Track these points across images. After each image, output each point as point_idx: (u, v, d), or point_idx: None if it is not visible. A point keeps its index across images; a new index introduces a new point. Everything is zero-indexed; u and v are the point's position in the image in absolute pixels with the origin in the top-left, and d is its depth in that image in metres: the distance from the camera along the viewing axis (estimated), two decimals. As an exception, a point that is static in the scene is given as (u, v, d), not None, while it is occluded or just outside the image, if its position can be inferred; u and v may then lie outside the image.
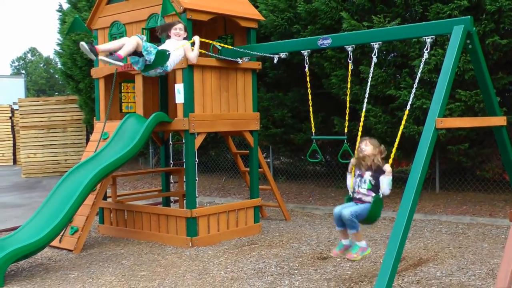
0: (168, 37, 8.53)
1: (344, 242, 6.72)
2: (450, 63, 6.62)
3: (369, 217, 6.51)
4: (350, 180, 6.71)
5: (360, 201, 6.57)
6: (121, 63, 7.94)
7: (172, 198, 11.88)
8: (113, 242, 9.57)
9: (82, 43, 7.76)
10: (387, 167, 6.39)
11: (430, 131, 6.40)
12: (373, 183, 6.47)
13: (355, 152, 6.76)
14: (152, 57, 8.05)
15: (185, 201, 9.86)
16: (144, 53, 7.96)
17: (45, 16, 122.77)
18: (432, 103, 6.53)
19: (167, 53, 8.20)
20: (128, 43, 7.85)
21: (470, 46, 7.17)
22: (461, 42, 6.77)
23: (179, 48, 8.42)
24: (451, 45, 6.75)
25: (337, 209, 6.59)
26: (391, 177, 6.38)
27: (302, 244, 8.98)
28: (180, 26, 8.51)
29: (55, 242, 8.83)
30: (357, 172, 6.64)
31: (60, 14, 21.07)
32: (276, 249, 8.76)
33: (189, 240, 9.01)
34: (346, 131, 8.18)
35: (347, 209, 6.45)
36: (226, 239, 9.45)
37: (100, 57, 7.85)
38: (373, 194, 6.42)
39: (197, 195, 9.30)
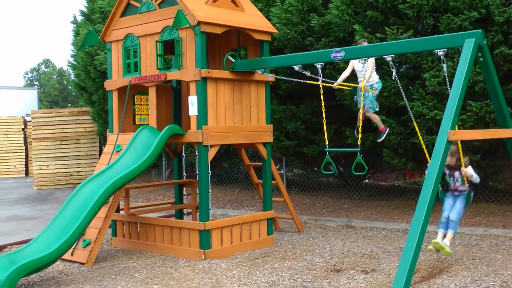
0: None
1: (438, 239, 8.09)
2: (462, 76, 6.65)
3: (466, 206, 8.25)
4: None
5: (456, 190, 8.16)
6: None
7: (185, 211, 11.91)
8: (126, 255, 9.59)
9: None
10: (465, 172, 7.94)
11: (443, 143, 6.42)
12: (463, 179, 8.04)
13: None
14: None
15: (198, 213, 9.88)
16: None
17: (59, 28, 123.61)
18: (444, 115, 6.55)
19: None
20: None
21: (481, 59, 7.20)
22: (472, 55, 6.80)
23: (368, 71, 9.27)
24: (462, 58, 6.77)
25: (445, 215, 8.19)
26: (472, 173, 8.00)
27: (315, 257, 8.98)
28: (362, 42, 9.32)
29: (67, 255, 8.82)
30: (447, 172, 8.15)
31: (74, 26, 21.22)
32: (290, 261, 8.75)
33: (202, 252, 9.02)
34: (359, 143, 8.20)
35: (454, 212, 8.10)
36: (239, 251, 9.45)
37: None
38: (466, 186, 8.06)
39: (210, 207, 9.31)
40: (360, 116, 8.98)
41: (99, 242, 9.06)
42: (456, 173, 8.10)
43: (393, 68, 7.70)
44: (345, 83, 9.52)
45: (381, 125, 9.42)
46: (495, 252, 8.99)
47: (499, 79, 7.56)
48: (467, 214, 11.72)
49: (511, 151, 8.07)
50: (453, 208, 8.15)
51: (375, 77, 9.37)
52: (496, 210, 11.90)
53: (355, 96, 9.46)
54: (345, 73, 9.66)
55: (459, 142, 7.71)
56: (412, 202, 13.06)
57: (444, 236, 8.13)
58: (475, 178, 7.98)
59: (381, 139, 9.44)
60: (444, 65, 7.09)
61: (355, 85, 9.26)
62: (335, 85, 9.40)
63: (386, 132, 9.51)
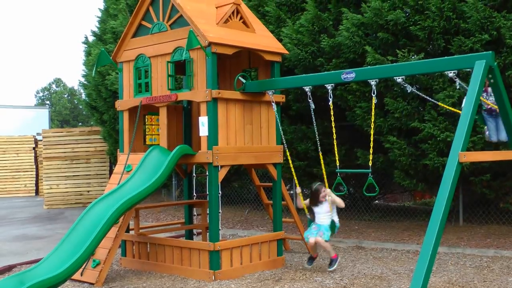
0: (320, 202, 9.42)
1: None
2: (473, 98, 6.65)
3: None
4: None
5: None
6: None
7: (195, 231, 11.90)
8: (135, 275, 9.58)
9: None
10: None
11: (454, 165, 6.42)
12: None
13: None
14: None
15: (208, 233, 9.87)
16: None
17: (70, 48, 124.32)
18: (455, 137, 6.55)
19: (336, 225, 9.44)
20: None
21: (492, 81, 7.21)
22: (483, 76, 6.81)
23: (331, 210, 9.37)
24: (473, 80, 6.79)
25: (494, 138, 8.16)
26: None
27: (325, 278, 8.94)
28: (324, 190, 9.38)
29: (76, 275, 8.78)
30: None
31: (86, 46, 21.38)
32: (300, 282, 8.73)
33: (212, 273, 9.00)
34: (370, 164, 8.19)
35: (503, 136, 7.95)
36: (249, 272, 9.43)
37: None
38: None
39: (220, 228, 9.31)
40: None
41: (108, 262, 9.06)
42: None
43: (404, 85, 7.71)
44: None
45: (332, 253, 9.41)
46: (506, 274, 8.93)
47: (510, 100, 7.56)
48: (478, 235, 11.69)
49: (522, 172, 8.04)
50: (499, 129, 8.08)
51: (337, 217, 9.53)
52: (507, 232, 11.85)
53: (309, 227, 9.61)
54: (306, 202, 9.68)
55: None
56: (423, 223, 13.02)
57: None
58: (339, 201, 8.92)
59: (332, 268, 9.35)
60: (458, 81, 7.10)
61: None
62: (298, 191, 9.73)
63: (338, 260, 9.44)
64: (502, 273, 9.03)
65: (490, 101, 7.68)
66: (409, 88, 7.90)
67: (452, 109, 9.04)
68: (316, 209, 9.40)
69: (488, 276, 8.85)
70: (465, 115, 6.66)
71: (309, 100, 8.84)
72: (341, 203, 9.30)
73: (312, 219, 9.46)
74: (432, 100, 8.91)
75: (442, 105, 9.17)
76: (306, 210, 9.46)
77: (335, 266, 9.27)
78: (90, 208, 8.79)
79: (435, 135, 11.05)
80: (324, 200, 9.27)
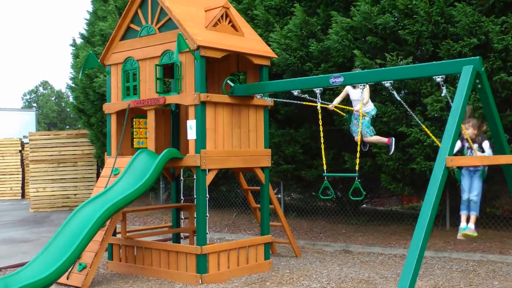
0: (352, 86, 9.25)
1: (463, 225, 8.06)
2: (460, 103, 6.69)
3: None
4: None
5: (473, 166, 7.89)
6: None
7: (182, 234, 11.87)
8: (122, 279, 9.55)
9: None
10: (486, 145, 7.91)
11: (441, 169, 6.45)
12: (480, 151, 7.89)
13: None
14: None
15: (195, 237, 9.85)
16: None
17: (57, 50, 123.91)
18: (442, 142, 6.58)
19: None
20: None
21: (479, 86, 7.24)
22: (470, 82, 6.84)
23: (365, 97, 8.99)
24: (460, 85, 6.82)
25: (464, 196, 8.04)
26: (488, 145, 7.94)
27: (312, 282, 8.94)
28: (356, 70, 9.33)
29: (62, 279, 8.74)
30: (466, 145, 7.94)
31: (74, 48, 21.30)
32: (286, 286, 8.72)
33: (199, 277, 8.98)
34: (357, 168, 8.20)
35: (474, 194, 7.98)
36: (236, 276, 9.42)
37: None
38: None
39: (207, 231, 9.29)
40: (359, 141, 8.95)
41: (95, 266, 9.02)
42: (475, 146, 7.96)
43: (392, 90, 7.73)
44: (340, 106, 9.51)
45: (384, 140, 9.42)
46: (492, 278, 8.97)
47: (497, 105, 7.60)
48: (464, 240, 11.72)
49: (508, 177, 8.08)
50: (472, 189, 8.06)
51: (371, 105, 9.35)
52: (493, 236, 11.90)
53: (350, 124, 9.42)
54: (339, 98, 9.60)
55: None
56: (410, 227, 13.05)
57: (468, 218, 8.08)
58: (488, 154, 7.92)
59: (391, 152, 9.45)
60: (444, 88, 7.12)
61: (351, 108, 9.25)
62: (331, 106, 9.36)
63: (393, 142, 9.49)
64: (488, 277, 9.06)
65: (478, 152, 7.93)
66: (395, 95, 7.91)
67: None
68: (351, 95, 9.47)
69: (474, 280, 8.88)
70: (452, 120, 6.69)
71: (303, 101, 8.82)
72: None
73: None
74: (411, 112, 8.91)
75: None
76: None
77: (392, 148, 9.57)
78: (76, 212, 8.75)
79: (422, 140, 11.08)
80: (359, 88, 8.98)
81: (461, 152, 7.92)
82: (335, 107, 9.44)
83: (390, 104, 11.56)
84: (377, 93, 11.49)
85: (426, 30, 10.99)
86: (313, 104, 8.89)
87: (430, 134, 8.94)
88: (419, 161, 11.18)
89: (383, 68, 10.36)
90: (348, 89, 9.24)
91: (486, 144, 7.88)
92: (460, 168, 8.07)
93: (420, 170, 11.21)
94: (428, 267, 9.88)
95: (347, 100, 9.65)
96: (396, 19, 11.55)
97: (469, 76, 6.85)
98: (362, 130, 9.08)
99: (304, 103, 9.31)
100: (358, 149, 8.51)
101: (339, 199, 15.92)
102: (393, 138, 9.48)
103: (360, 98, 8.91)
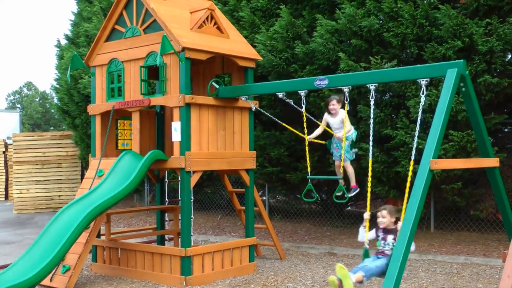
0: (328, 112, 8.81)
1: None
2: (444, 106, 6.71)
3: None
4: (364, 234, 7.34)
5: (383, 253, 6.97)
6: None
7: (167, 236, 11.84)
8: (106, 281, 9.51)
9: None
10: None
11: (425, 172, 6.47)
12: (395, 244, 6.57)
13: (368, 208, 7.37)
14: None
15: (180, 239, 9.83)
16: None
17: (42, 51, 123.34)
18: (426, 144, 6.61)
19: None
20: None
21: (463, 89, 7.27)
22: (454, 85, 6.87)
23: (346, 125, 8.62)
24: (444, 88, 6.84)
25: (366, 270, 6.82)
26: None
27: (297, 284, 8.94)
28: (334, 102, 8.69)
29: (45, 281, 8.68)
30: (380, 234, 7.13)
31: (58, 49, 21.19)
32: (271, 289, 8.72)
33: (183, 279, 8.96)
34: (341, 170, 8.20)
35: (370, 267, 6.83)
36: (220, 278, 9.40)
37: None
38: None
39: (192, 234, 9.27)
40: (341, 164, 8.69)
41: (79, 267, 8.98)
42: (389, 237, 7.04)
43: (372, 98, 7.72)
44: (316, 140, 9.32)
45: (353, 182, 9.18)
46: (475, 280, 9.00)
47: (481, 108, 7.63)
48: (449, 242, 11.76)
49: (492, 180, 8.11)
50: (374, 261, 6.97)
51: (352, 129, 9.14)
52: (477, 239, 11.94)
53: (331, 149, 9.27)
54: (319, 131, 9.16)
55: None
56: (394, 230, 13.06)
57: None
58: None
59: (350, 195, 9.02)
60: (423, 96, 7.12)
61: (333, 133, 9.00)
62: (309, 138, 9.06)
63: (357, 191, 9.18)
64: (471, 279, 9.09)
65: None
66: (373, 100, 7.86)
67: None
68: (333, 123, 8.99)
69: (458, 282, 8.91)
70: (436, 123, 6.71)
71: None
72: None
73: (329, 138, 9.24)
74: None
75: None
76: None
77: (352, 194, 9.05)
78: (60, 213, 8.70)
79: (407, 143, 11.11)
80: (334, 111, 8.73)
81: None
82: (312, 139, 9.18)
83: (375, 107, 11.56)
84: (362, 96, 11.51)
85: (411, 33, 11.03)
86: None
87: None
88: (404, 164, 11.20)
89: (367, 71, 10.37)
90: (327, 118, 9.03)
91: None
92: (366, 252, 7.22)
93: (405, 173, 11.22)
94: (412, 269, 9.91)
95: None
96: (380, 21, 11.58)
97: (453, 80, 6.88)
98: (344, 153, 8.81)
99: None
100: (343, 152, 8.51)
101: (323, 202, 15.93)
102: (359, 188, 9.25)
103: (341, 125, 8.77)
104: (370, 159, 7.61)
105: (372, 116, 7.72)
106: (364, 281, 6.70)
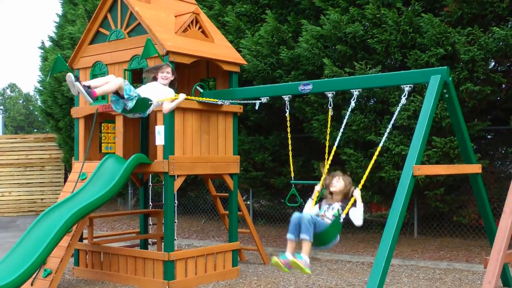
0: (155, 79, 8.29)
1: (288, 256, 6.66)
2: (427, 112, 6.76)
3: (324, 234, 6.62)
4: (310, 206, 7.03)
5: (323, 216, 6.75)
6: (91, 100, 7.68)
7: (150, 240, 11.81)
8: (88, 285, 9.46)
9: (70, 74, 7.55)
10: (357, 193, 6.65)
11: (408, 178, 6.51)
12: (340, 212, 6.66)
13: (322, 180, 7.04)
14: (132, 104, 7.76)
15: (163, 243, 9.80)
16: (126, 96, 7.69)
17: (26, 52, 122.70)
18: (409, 150, 6.64)
19: (149, 102, 7.94)
20: (109, 85, 7.68)
21: (446, 96, 7.32)
22: (438, 91, 6.92)
23: (163, 100, 8.19)
24: (428, 94, 6.89)
25: (297, 214, 6.63)
26: (361, 208, 6.62)
27: (279, 289, 8.95)
28: (168, 69, 8.28)
29: (26, 285, 8.52)
30: (325, 203, 6.87)
31: (42, 51, 21.10)
32: (254, 293, 8.71)
33: (166, 283, 8.93)
34: (324, 176, 8.21)
35: (308, 214, 6.59)
36: (203, 283, 9.38)
37: (76, 84, 7.43)
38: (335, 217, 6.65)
39: (175, 238, 9.25)
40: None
41: (60, 271, 8.91)
42: (336, 204, 6.84)
43: (353, 100, 7.72)
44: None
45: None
46: (458, 286, 9.04)
47: (464, 115, 7.69)
48: (432, 248, 11.81)
49: (474, 186, 8.16)
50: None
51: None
52: (460, 245, 12.00)
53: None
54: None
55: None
56: (378, 235, 13.11)
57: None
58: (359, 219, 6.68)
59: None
60: (403, 98, 7.15)
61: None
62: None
63: None
64: (454, 285, 9.13)
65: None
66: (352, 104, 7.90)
67: None
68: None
69: (441, 288, 8.96)
70: (419, 129, 6.75)
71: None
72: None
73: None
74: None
75: None
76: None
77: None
78: (42, 216, 8.64)
79: (390, 148, 11.15)
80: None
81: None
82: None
83: (359, 112, 11.63)
84: (346, 102, 11.54)
85: (395, 39, 11.08)
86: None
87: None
88: (388, 170, 11.24)
89: (352, 76, 10.41)
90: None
91: (357, 193, 6.70)
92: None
93: (389, 178, 11.27)
94: (395, 275, 9.93)
95: None
96: (365, 28, 11.63)
97: (437, 86, 6.93)
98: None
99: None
100: (326, 157, 8.53)
101: (307, 206, 15.93)
102: None
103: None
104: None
105: (348, 114, 7.69)
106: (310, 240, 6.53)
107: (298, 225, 6.58)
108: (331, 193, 6.87)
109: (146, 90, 8.07)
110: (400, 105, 7.14)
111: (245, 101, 9.45)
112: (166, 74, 8.28)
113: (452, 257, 11.03)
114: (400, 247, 11.71)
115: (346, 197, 6.75)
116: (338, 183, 6.81)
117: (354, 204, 6.64)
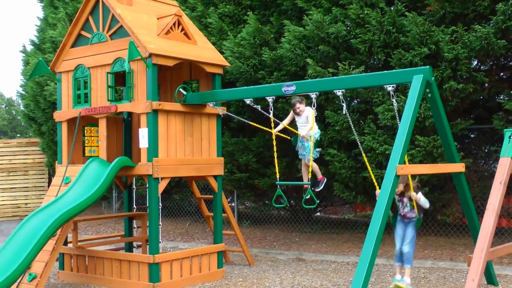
0: (296, 113, 9.04)
1: (398, 278, 8.24)
2: (410, 112, 6.78)
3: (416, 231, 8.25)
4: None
5: (405, 217, 8.20)
6: None
7: (135, 243, 11.78)
8: (74, 288, 9.44)
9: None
10: (413, 195, 7.99)
11: (392, 177, 6.53)
12: (412, 204, 8.11)
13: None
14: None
15: (148, 246, 9.78)
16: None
17: (7, 57, 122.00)
18: (393, 150, 6.66)
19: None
20: None
21: (429, 95, 7.36)
22: (420, 91, 6.95)
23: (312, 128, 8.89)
24: (411, 94, 6.92)
25: (397, 247, 8.23)
26: (421, 197, 7.99)
27: (265, 290, 8.95)
28: (297, 105, 8.91)
29: (12, 290, 8.64)
30: (396, 198, 8.15)
31: (24, 55, 21.00)
32: (239, 295, 8.71)
33: (151, 286, 8.91)
34: (310, 176, 8.24)
35: (406, 246, 8.11)
36: (189, 285, 9.37)
37: None
38: (415, 212, 8.14)
39: (160, 240, 9.23)
40: (311, 163, 8.81)
41: (45, 276, 8.86)
42: (405, 199, 8.13)
43: (343, 103, 7.77)
44: (282, 134, 9.40)
45: (319, 175, 9.33)
46: (442, 284, 9.07)
47: (448, 114, 7.73)
48: (416, 247, 11.83)
49: (458, 185, 8.21)
50: (404, 239, 8.16)
51: (316, 128, 9.28)
52: (444, 243, 12.05)
53: (296, 147, 9.38)
54: (286, 121, 9.37)
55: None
56: (362, 235, 13.14)
57: (402, 270, 8.24)
58: (423, 201, 7.94)
59: (319, 189, 9.32)
60: (394, 100, 7.20)
61: (297, 132, 9.13)
62: (275, 131, 9.24)
63: (324, 182, 9.40)
64: (438, 283, 9.16)
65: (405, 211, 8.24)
66: (344, 106, 7.96)
67: None
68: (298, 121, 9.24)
69: (425, 286, 8.97)
70: (402, 129, 6.77)
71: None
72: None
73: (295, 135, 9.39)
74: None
75: None
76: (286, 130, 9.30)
77: (321, 187, 9.29)
78: (26, 221, 8.59)
79: (374, 148, 11.17)
80: (299, 111, 8.98)
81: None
82: (279, 131, 9.30)
83: (342, 113, 11.64)
84: (329, 102, 11.57)
85: (378, 39, 11.10)
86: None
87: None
88: (371, 169, 11.26)
89: (335, 77, 10.43)
90: (293, 115, 9.19)
91: (419, 194, 8.03)
92: (395, 214, 8.29)
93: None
94: (380, 274, 9.96)
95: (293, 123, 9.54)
96: (348, 28, 11.65)
97: (419, 85, 6.96)
98: (306, 154, 9.04)
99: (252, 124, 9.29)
100: (311, 158, 8.54)
101: (292, 208, 15.96)
102: (325, 179, 9.41)
103: (306, 122, 8.93)
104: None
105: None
106: (410, 266, 8.19)
107: (401, 256, 8.24)
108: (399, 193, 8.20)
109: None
110: (395, 104, 7.24)
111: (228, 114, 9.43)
112: (297, 109, 9.01)
113: (437, 256, 11.07)
114: (384, 247, 11.74)
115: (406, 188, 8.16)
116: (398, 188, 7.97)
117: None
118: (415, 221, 8.19)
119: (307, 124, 8.90)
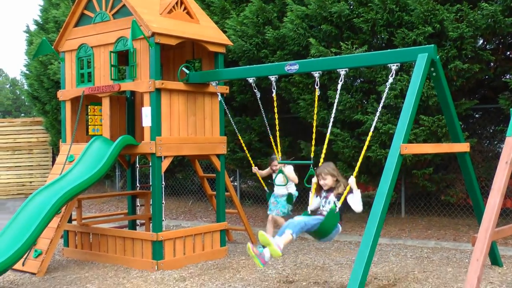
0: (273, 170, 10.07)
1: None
2: (415, 91, 6.75)
3: (321, 228, 7.10)
4: (311, 199, 7.51)
5: (321, 214, 7.24)
6: None
7: (138, 221, 11.82)
8: (78, 266, 9.47)
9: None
10: (352, 181, 6.92)
11: (395, 156, 6.52)
12: (336, 204, 7.04)
13: (316, 174, 7.40)
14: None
15: (151, 224, 9.82)
16: None
17: (11, 37, 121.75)
18: (396, 129, 6.65)
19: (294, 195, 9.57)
20: None
21: (434, 74, 7.31)
22: (425, 69, 6.91)
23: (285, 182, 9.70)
24: (415, 73, 6.88)
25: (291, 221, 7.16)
26: (358, 195, 7.03)
27: (268, 268, 8.97)
28: (275, 162, 9.98)
29: (18, 265, 8.70)
30: (323, 194, 7.36)
31: (27, 35, 20.98)
32: (242, 273, 8.74)
33: (155, 263, 8.95)
34: (312, 155, 8.24)
35: (302, 221, 7.09)
36: (192, 262, 9.41)
37: None
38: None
39: (163, 219, 9.26)
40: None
41: (50, 252, 8.95)
42: (332, 195, 7.28)
43: (341, 81, 7.72)
44: (260, 179, 9.65)
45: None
46: (445, 265, 9.09)
47: (452, 93, 7.70)
48: (419, 227, 11.88)
49: (462, 165, 8.20)
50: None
51: (294, 188, 9.99)
52: (447, 224, 12.07)
53: (269, 201, 10.05)
54: (263, 173, 10.38)
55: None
56: (365, 215, 13.06)
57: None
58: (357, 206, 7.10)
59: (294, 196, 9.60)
60: (391, 78, 7.15)
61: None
62: (254, 170, 9.99)
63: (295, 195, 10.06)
64: (441, 263, 9.19)
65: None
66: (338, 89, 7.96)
67: None
68: (275, 180, 9.90)
69: (428, 266, 9.00)
70: (406, 108, 6.76)
71: (255, 90, 8.80)
72: (294, 179, 9.92)
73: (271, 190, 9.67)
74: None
75: None
76: (262, 182, 9.35)
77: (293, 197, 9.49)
78: (31, 198, 8.64)
79: (377, 128, 11.16)
80: (276, 169, 9.69)
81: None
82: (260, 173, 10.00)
83: (345, 92, 11.63)
84: (332, 81, 11.54)
85: (381, 18, 11.05)
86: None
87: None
88: (375, 149, 11.26)
89: (338, 56, 10.40)
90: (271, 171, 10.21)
91: (352, 181, 6.94)
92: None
93: (376, 157, 11.30)
94: (383, 254, 9.99)
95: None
96: (351, 7, 11.60)
97: (424, 64, 6.93)
98: (279, 209, 10.04)
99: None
100: (313, 137, 8.54)
101: (295, 187, 15.96)
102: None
103: (282, 183, 9.79)
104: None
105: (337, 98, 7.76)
106: (294, 237, 7.03)
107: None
108: (327, 189, 7.33)
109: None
110: (388, 84, 7.16)
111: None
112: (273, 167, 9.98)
113: (440, 236, 11.09)
114: (387, 227, 11.77)
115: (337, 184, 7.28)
116: (325, 181, 7.29)
117: (350, 192, 7.02)
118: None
119: (283, 185, 9.75)
